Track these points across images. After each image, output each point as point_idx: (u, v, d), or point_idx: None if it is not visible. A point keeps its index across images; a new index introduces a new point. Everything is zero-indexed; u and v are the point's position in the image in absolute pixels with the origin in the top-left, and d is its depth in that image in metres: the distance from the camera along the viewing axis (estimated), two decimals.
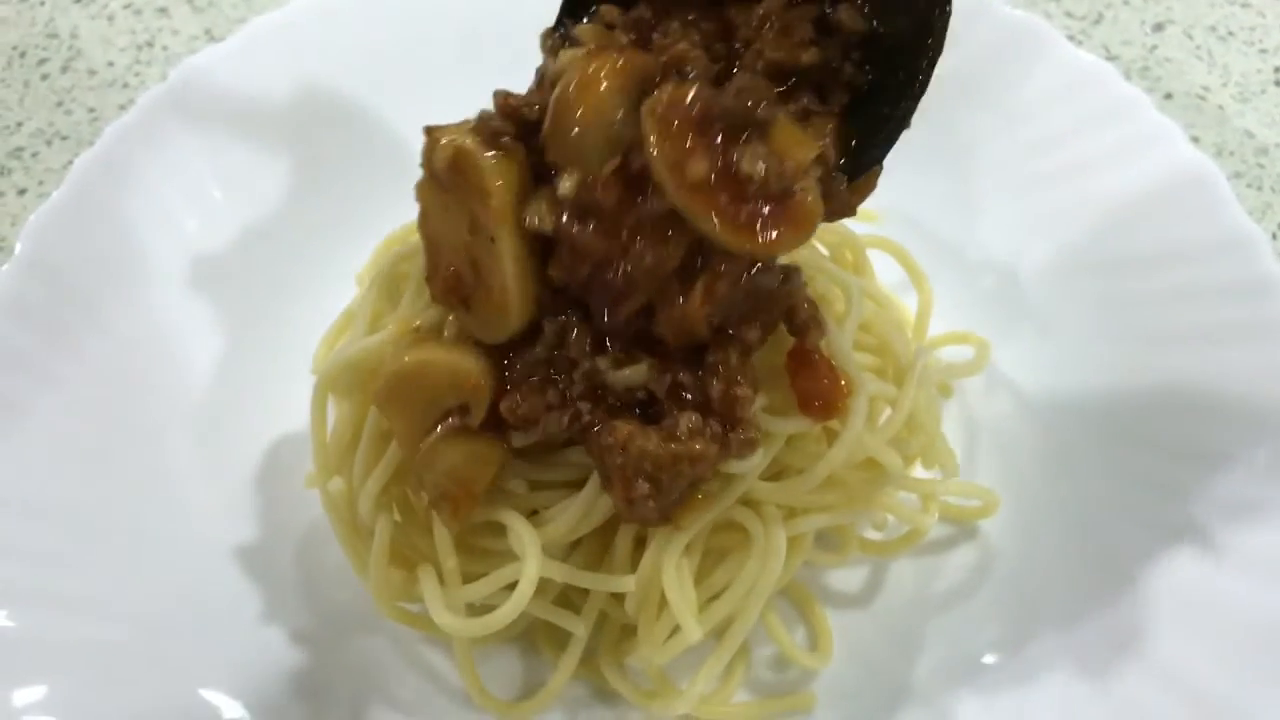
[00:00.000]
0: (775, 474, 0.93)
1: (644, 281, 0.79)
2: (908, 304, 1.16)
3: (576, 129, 0.76)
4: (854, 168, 0.81)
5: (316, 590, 1.02)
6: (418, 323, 0.90)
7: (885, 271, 1.14)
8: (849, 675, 1.00)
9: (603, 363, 0.83)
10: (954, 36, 1.22)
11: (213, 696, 0.93)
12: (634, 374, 0.83)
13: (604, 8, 0.84)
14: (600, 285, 0.80)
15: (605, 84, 0.76)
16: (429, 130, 0.82)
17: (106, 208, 1.12)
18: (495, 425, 0.87)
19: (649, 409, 0.85)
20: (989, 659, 0.97)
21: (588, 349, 0.83)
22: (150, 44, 1.50)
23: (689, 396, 0.84)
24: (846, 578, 1.06)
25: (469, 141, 0.79)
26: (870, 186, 0.83)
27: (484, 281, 0.82)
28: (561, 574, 0.90)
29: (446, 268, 0.84)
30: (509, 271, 0.80)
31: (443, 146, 0.80)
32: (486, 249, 0.80)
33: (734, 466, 0.87)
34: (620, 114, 0.76)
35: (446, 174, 0.80)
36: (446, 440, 0.87)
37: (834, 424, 0.92)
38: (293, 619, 1.00)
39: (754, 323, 0.85)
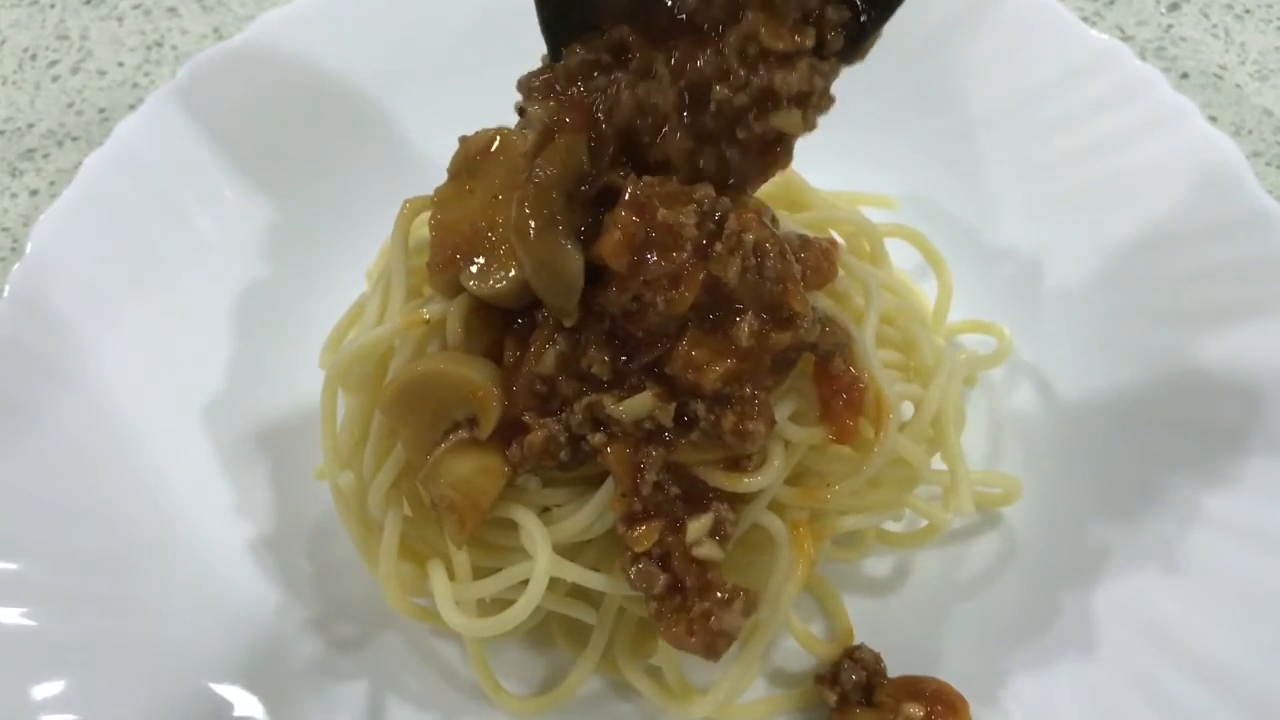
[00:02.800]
0: (795, 476, 0.92)
1: (662, 325, 0.81)
2: (926, 289, 1.14)
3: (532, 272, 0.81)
4: (853, 46, 0.79)
5: (329, 584, 1.02)
6: (427, 316, 0.90)
7: (903, 256, 1.12)
8: None
9: (606, 399, 0.83)
10: (968, 18, 1.22)
11: (226, 690, 0.93)
12: (639, 406, 0.82)
13: (541, 77, 0.83)
14: (621, 334, 0.82)
15: (541, 226, 0.80)
16: (463, 138, 0.91)
17: (117, 206, 1.12)
18: (504, 437, 0.87)
19: (658, 435, 0.84)
20: (1011, 643, 0.97)
21: (592, 369, 0.83)
22: (160, 44, 1.50)
23: (700, 425, 0.83)
24: (871, 566, 1.05)
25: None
26: (862, 55, 0.81)
27: (500, 240, 0.86)
28: (574, 575, 0.89)
29: (453, 247, 0.87)
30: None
31: (479, 133, 0.90)
32: (505, 208, 0.85)
33: (748, 484, 0.85)
34: (567, 244, 0.80)
35: (477, 155, 0.89)
36: (454, 452, 0.87)
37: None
38: (306, 613, 1.00)
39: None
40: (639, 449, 0.83)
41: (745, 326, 0.80)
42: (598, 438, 0.83)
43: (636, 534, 0.83)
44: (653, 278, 0.78)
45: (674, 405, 0.82)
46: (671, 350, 0.81)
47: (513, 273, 0.85)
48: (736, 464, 0.86)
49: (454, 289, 0.88)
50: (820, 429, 0.88)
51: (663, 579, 0.83)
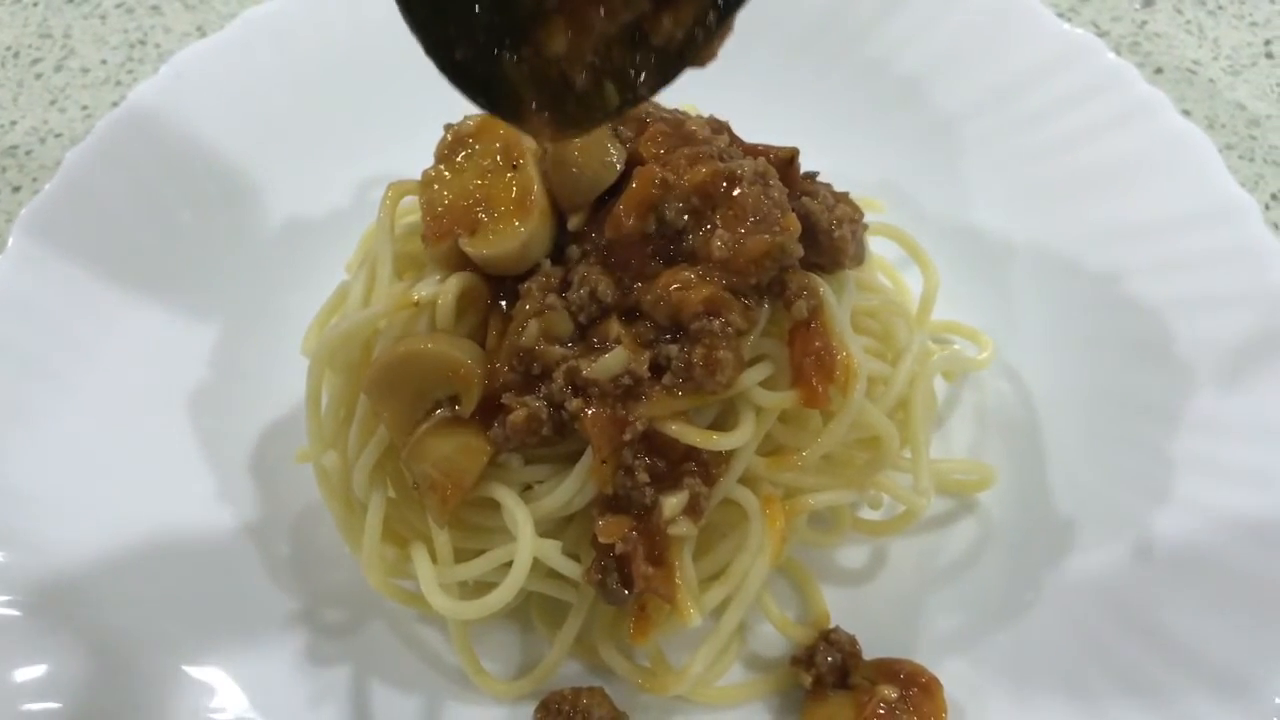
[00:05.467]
0: (768, 451, 0.93)
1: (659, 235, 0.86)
2: (909, 280, 1.15)
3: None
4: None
5: (311, 572, 1.02)
6: (416, 298, 0.91)
7: (887, 247, 1.13)
8: None
9: (582, 363, 0.84)
10: (945, 14, 1.24)
11: (209, 675, 0.93)
12: (613, 361, 0.84)
13: None
14: (615, 257, 0.86)
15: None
16: (449, 126, 0.94)
17: (98, 200, 1.13)
18: (486, 418, 0.87)
19: (634, 393, 0.85)
20: (987, 628, 0.97)
21: (597, 289, 0.86)
22: (143, 42, 1.50)
23: (672, 367, 0.85)
24: (849, 556, 1.06)
25: None
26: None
27: (500, 205, 0.89)
28: (555, 560, 0.90)
29: (449, 218, 0.90)
30: (534, 177, 0.90)
31: (466, 119, 0.93)
32: (507, 178, 0.90)
33: (719, 441, 0.87)
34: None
35: (466, 138, 0.93)
36: (437, 431, 0.87)
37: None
38: (289, 599, 1.00)
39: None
40: (616, 412, 0.84)
41: (718, 236, 0.84)
42: (576, 403, 0.85)
43: (605, 524, 0.85)
44: (675, 160, 0.86)
45: (648, 355, 0.85)
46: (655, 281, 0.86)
47: (523, 229, 0.87)
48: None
49: (451, 259, 0.90)
50: (791, 393, 0.89)
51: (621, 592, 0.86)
